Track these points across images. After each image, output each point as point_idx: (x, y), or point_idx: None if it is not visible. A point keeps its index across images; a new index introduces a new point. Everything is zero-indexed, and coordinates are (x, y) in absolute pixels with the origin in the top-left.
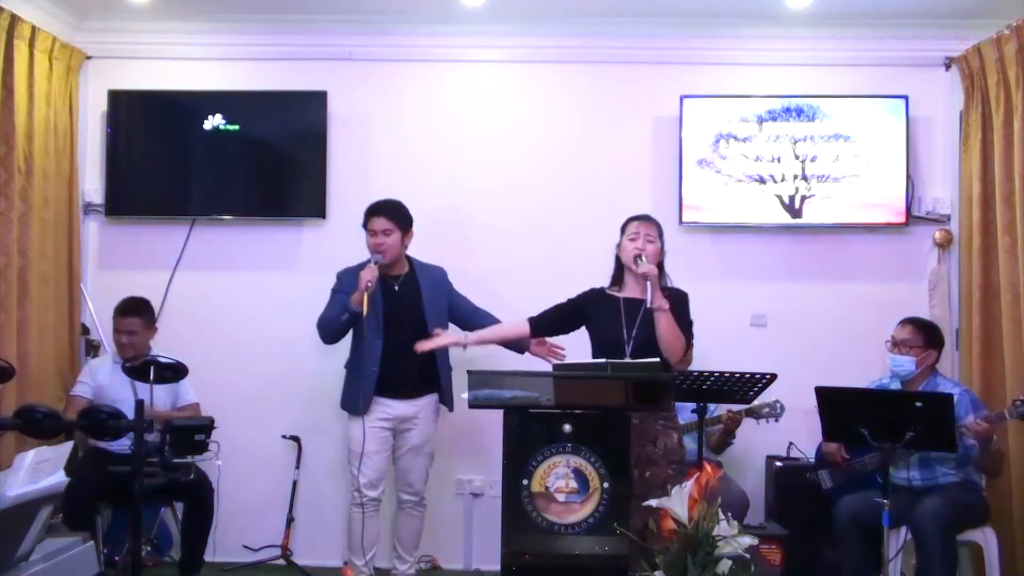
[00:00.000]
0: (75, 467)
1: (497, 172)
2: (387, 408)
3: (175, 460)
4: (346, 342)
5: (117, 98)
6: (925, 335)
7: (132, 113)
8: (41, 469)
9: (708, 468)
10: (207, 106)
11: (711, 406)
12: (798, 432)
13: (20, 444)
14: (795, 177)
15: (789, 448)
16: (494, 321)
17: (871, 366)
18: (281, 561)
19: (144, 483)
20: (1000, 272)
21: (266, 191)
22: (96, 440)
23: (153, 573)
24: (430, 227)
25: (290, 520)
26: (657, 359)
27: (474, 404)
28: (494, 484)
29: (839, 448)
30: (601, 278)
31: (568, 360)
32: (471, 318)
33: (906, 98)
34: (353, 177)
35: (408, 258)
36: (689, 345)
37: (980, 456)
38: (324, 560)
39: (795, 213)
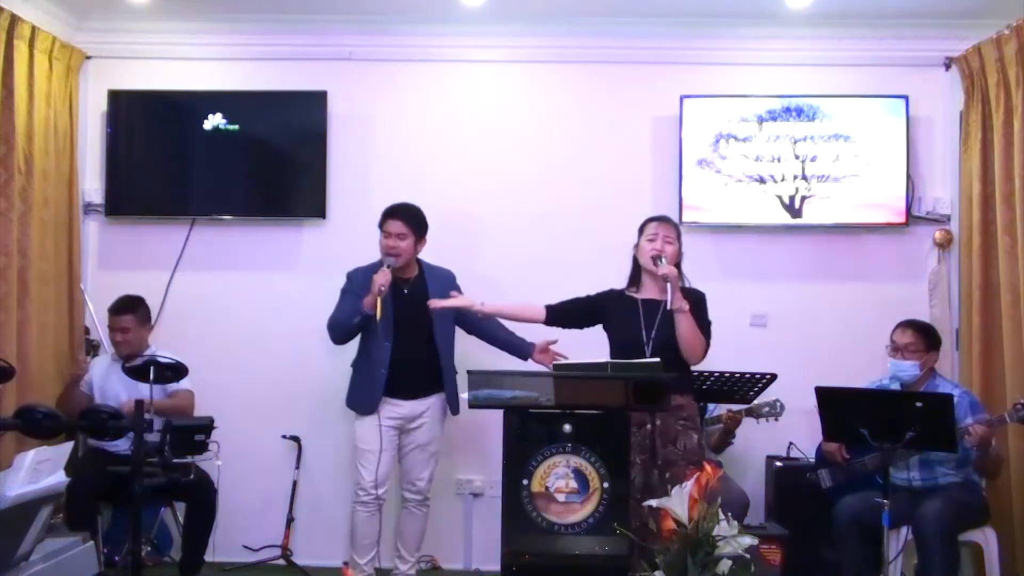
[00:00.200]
0: (75, 467)
1: (497, 172)
2: (396, 407)
3: (175, 460)
4: (352, 342)
5: (117, 98)
6: (926, 338)
7: (132, 113)
8: (41, 469)
9: (708, 468)
10: (207, 106)
11: (711, 406)
12: (798, 432)
13: (20, 444)
14: (795, 177)
15: (789, 448)
16: (500, 327)
17: (871, 366)
18: (281, 561)
19: (144, 483)
20: (1000, 272)
21: (266, 191)
22: (96, 440)
23: (153, 573)
24: (430, 227)
25: (290, 520)
26: (657, 359)
27: (474, 404)
28: (494, 484)
29: (840, 447)
30: (600, 277)
31: (568, 360)
32: (478, 323)
33: (906, 98)
34: (353, 177)
35: (418, 261)
36: (707, 345)
37: (979, 459)
38: (324, 560)
39: (795, 213)
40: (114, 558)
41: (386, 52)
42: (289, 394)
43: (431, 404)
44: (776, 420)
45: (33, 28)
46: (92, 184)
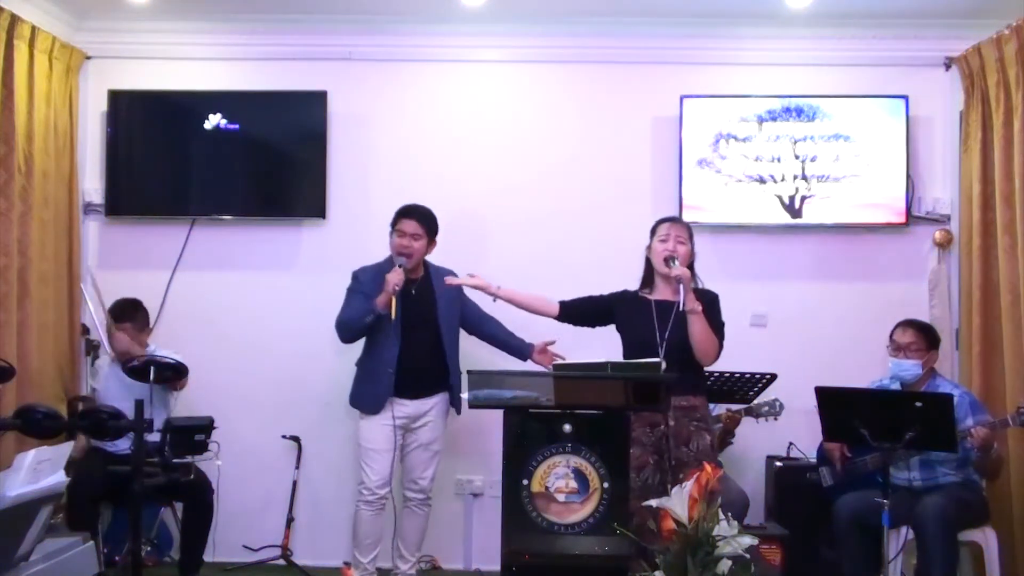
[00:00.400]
0: (75, 467)
1: (497, 172)
2: (401, 407)
3: (175, 460)
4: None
5: (117, 98)
6: (927, 337)
7: (132, 113)
8: (41, 469)
9: (708, 468)
10: (207, 106)
11: (710, 405)
12: (798, 432)
13: (20, 444)
14: (795, 177)
15: (789, 448)
16: (500, 328)
17: (871, 366)
18: (281, 561)
19: (144, 483)
20: (1000, 272)
21: (266, 191)
22: (96, 440)
23: (153, 573)
24: None
25: (290, 520)
26: (657, 359)
27: (474, 404)
28: (494, 484)
29: (841, 447)
30: (600, 277)
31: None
32: (479, 324)
33: (906, 98)
34: (353, 177)
35: (424, 262)
36: (720, 346)
37: (979, 461)
38: (324, 560)
39: (795, 213)
40: (114, 558)
41: (386, 52)
42: (289, 394)
43: (434, 404)
44: (776, 419)
45: (33, 28)
46: (92, 184)
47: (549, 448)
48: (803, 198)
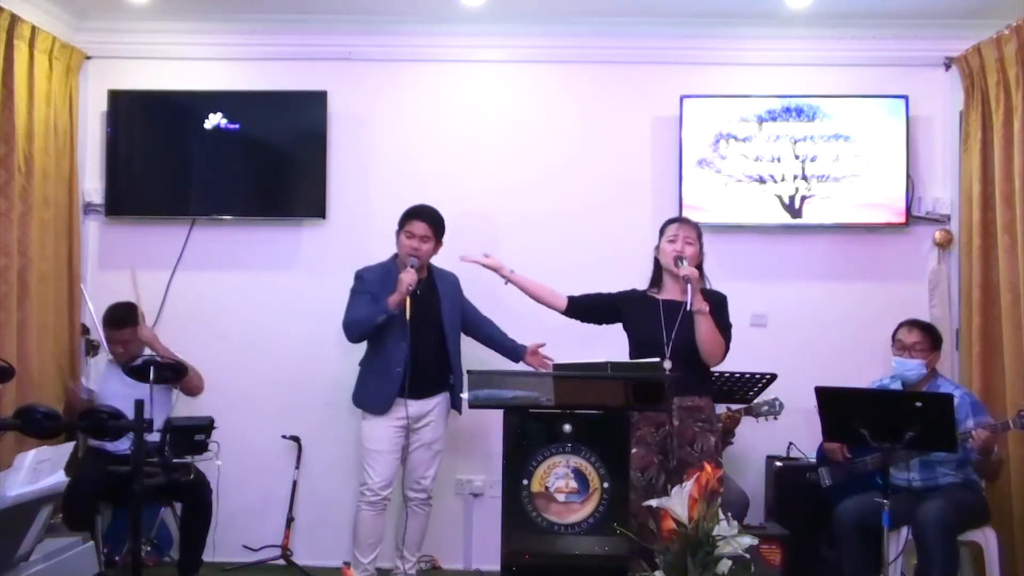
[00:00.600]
0: (75, 467)
1: (497, 172)
2: (407, 407)
3: (175, 460)
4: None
5: (117, 98)
6: (931, 338)
7: (132, 113)
8: (41, 469)
9: (708, 468)
10: (207, 106)
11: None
12: (798, 432)
13: (20, 444)
14: (795, 177)
15: (789, 448)
16: (497, 330)
17: (871, 366)
18: (281, 561)
19: (144, 483)
20: (1000, 272)
21: (266, 191)
22: (97, 440)
23: (153, 573)
24: None
25: (290, 520)
26: (657, 359)
27: (474, 404)
28: (494, 484)
29: (841, 447)
30: (600, 277)
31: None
32: (478, 326)
33: (906, 98)
34: (353, 177)
35: (427, 263)
36: (727, 347)
37: (980, 463)
38: (324, 560)
39: (795, 213)
40: (114, 558)
41: (386, 52)
42: (289, 394)
43: (436, 403)
44: (775, 419)
45: (33, 28)
46: (92, 184)
47: (549, 448)
48: (803, 198)
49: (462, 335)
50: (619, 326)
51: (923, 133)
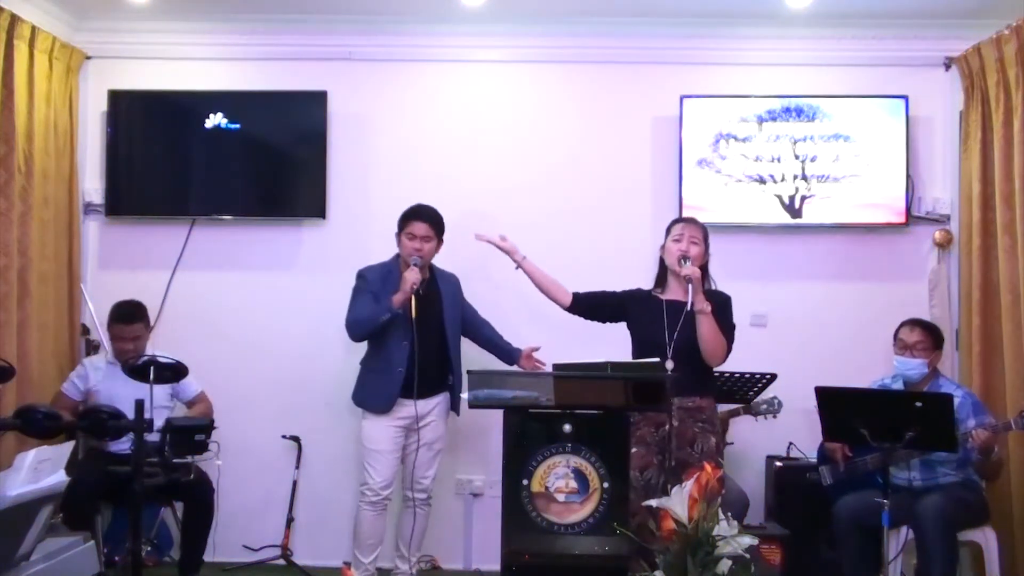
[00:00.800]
0: (75, 467)
1: (497, 172)
2: (406, 407)
3: (175, 460)
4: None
5: (117, 98)
6: (933, 337)
7: (132, 113)
8: (41, 469)
9: (708, 468)
10: (207, 106)
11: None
12: (798, 432)
13: (20, 444)
14: (795, 177)
15: (789, 448)
16: (495, 332)
17: (871, 366)
18: (281, 561)
19: (144, 483)
20: (1000, 272)
21: (266, 191)
22: (96, 440)
23: (153, 573)
24: None
25: (290, 520)
26: (657, 359)
27: (474, 404)
28: (494, 484)
29: (842, 446)
30: (600, 277)
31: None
32: (477, 328)
33: (906, 98)
34: (353, 177)
35: (429, 264)
36: (730, 348)
37: (980, 463)
38: (324, 560)
39: (795, 213)
40: (114, 558)
41: (386, 52)
42: (289, 394)
43: (436, 404)
44: (775, 418)
45: (33, 28)
46: (92, 184)
47: (549, 448)
48: (803, 198)
49: (462, 336)
50: (620, 325)
51: (923, 133)
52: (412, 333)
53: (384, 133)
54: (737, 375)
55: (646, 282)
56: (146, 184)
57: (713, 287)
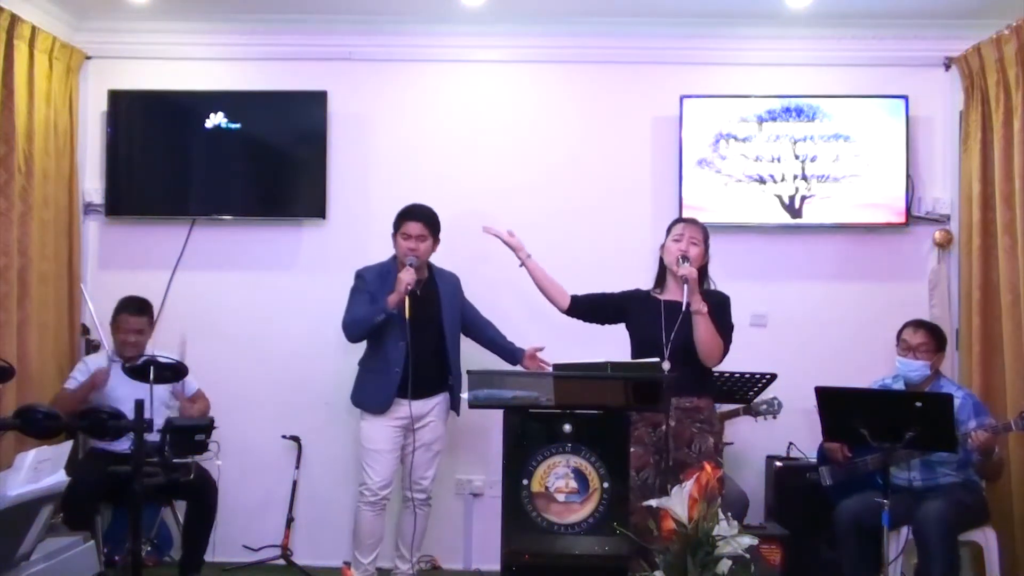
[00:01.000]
0: (75, 467)
1: (497, 172)
2: (405, 407)
3: (175, 460)
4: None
5: (117, 98)
6: (937, 339)
7: (132, 113)
8: (41, 469)
9: (708, 468)
10: (207, 106)
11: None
12: (798, 432)
13: (20, 444)
14: (795, 177)
15: (789, 448)
16: (497, 332)
17: (871, 366)
18: (281, 561)
19: (144, 483)
20: (1000, 272)
21: (266, 191)
22: (96, 440)
23: (153, 573)
24: None
25: (290, 520)
26: (656, 359)
27: (474, 404)
28: (494, 484)
29: (842, 446)
30: (600, 277)
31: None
32: (479, 328)
33: (906, 98)
34: (353, 177)
35: (428, 263)
36: (727, 349)
37: (980, 464)
38: (324, 560)
39: (795, 213)
40: (114, 558)
41: (386, 52)
42: (289, 394)
43: (436, 404)
44: (774, 418)
45: (33, 28)
46: (92, 184)
47: (549, 448)
48: (803, 198)
49: (462, 336)
50: (620, 326)
51: (923, 133)
52: (403, 332)
53: (384, 133)
54: (737, 375)
55: (646, 282)
56: (146, 184)
57: (712, 287)
